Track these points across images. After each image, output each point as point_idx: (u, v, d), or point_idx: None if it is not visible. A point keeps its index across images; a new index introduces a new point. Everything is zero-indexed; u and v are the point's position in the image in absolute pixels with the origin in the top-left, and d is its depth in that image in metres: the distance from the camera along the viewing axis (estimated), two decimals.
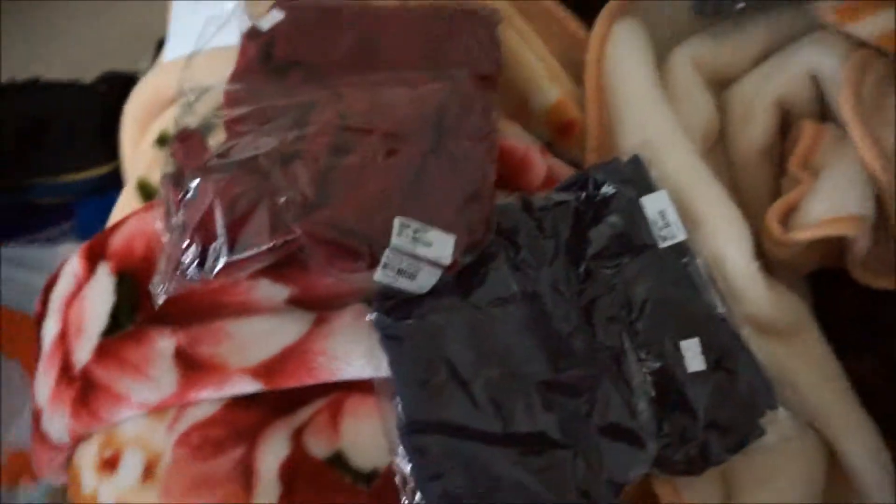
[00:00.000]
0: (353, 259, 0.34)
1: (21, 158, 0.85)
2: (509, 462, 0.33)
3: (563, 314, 0.39)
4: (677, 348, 0.39)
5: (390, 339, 0.35)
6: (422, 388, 0.34)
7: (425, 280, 0.35)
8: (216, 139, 0.41)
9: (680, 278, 0.41)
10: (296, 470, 0.33)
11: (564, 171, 0.48)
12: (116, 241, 0.40)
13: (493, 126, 0.43)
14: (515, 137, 0.48)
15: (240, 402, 0.36)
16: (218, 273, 0.34)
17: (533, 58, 0.50)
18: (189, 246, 0.34)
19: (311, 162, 0.37)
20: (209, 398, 0.36)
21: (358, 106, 0.40)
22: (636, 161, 0.44)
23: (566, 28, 0.53)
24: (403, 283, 0.35)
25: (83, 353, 0.37)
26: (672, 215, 0.42)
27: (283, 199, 0.34)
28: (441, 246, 0.35)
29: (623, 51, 0.50)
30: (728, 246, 0.42)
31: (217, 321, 0.37)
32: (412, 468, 0.32)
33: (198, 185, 0.36)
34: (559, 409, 0.35)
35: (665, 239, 0.42)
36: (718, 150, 0.52)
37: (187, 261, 0.34)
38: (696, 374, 0.38)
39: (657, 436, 0.37)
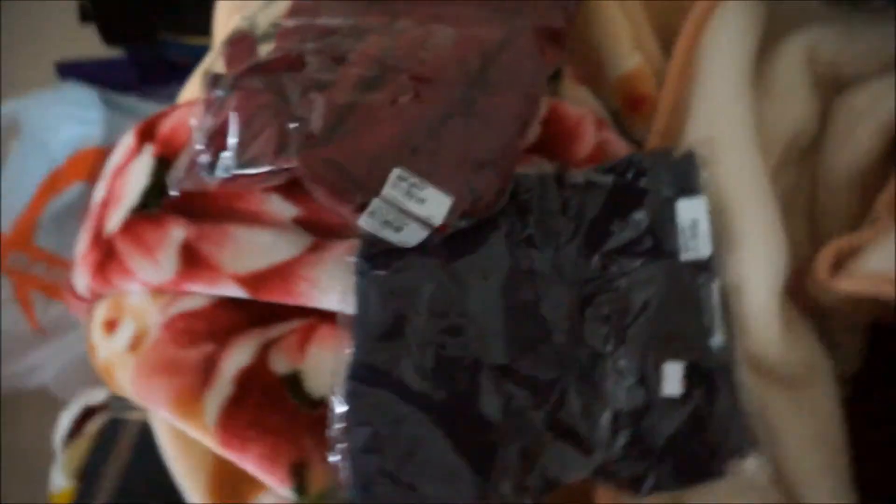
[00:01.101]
0: (344, 201, 0.34)
1: (156, 12, 0.91)
2: (440, 433, 0.34)
3: (556, 301, 0.38)
4: (658, 368, 0.37)
5: (362, 285, 0.35)
6: (377, 340, 0.35)
7: (411, 236, 0.35)
8: (268, 48, 0.42)
9: (688, 297, 0.38)
10: (252, 378, 0.36)
11: (619, 150, 0.45)
12: (164, 126, 0.42)
13: (540, 88, 0.40)
14: (575, 102, 0.45)
15: (226, 304, 0.38)
16: (224, 182, 0.36)
17: (620, 15, 0.45)
18: (204, 150, 0.36)
19: (335, 94, 0.37)
20: (201, 293, 0.38)
21: (403, 40, 0.39)
22: (689, 158, 0.40)
23: None
24: (388, 234, 0.35)
25: (113, 223, 0.41)
26: (703, 227, 0.39)
27: (292, 127, 0.35)
28: (435, 205, 0.35)
29: (725, 30, 0.44)
30: (754, 272, 0.38)
31: (226, 224, 0.39)
32: (347, 410, 0.34)
33: (225, 91, 0.37)
34: (507, 396, 0.35)
35: (688, 250, 0.39)
36: (807, 162, 0.46)
37: (200, 163, 0.36)
38: (669, 400, 0.36)
39: (608, 448, 0.36)
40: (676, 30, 0.46)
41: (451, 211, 0.35)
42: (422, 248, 0.36)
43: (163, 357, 0.37)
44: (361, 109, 0.36)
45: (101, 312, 0.41)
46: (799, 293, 0.42)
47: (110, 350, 0.39)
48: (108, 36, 0.90)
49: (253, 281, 0.37)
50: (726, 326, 0.37)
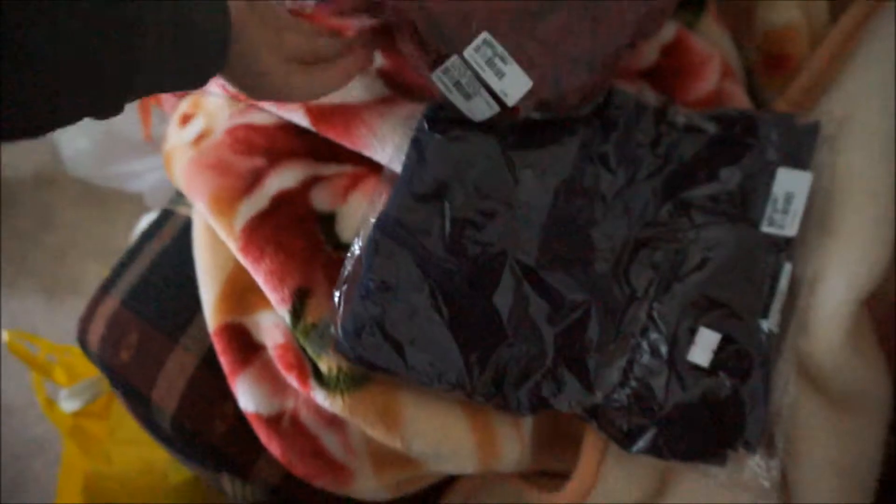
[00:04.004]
0: (425, 51, 0.33)
1: None
2: (445, 308, 0.33)
3: (611, 230, 0.36)
4: (693, 331, 0.34)
5: (416, 142, 0.34)
6: (415, 199, 0.34)
7: (479, 108, 0.34)
8: None
9: (753, 270, 0.34)
10: (288, 201, 0.36)
11: (739, 104, 0.41)
12: None
13: (668, 6, 0.37)
14: (710, 44, 0.40)
15: (289, 129, 0.38)
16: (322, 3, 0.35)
17: None
18: None
19: None
20: (270, 111, 0.39)
21: None
22: (811, 130, 0.36)
23: None
24: (457, 99, 0.33)
25: None
26: (798, 205, 0.34)
27: None
28: (513, 83, 0.33)
29: None
30: (839, 272, 0.33)
31: None
32: (363, 255, 0.33)
33: None
34: (524, 298, 0.33)
35: (772, 223, 0.35)
36: None
37: None
38: (693, 367, 0.33)
39: (612, 392, 0.34)
40: None
41: (528, 95, 0.33)
42: (489, 126, 0.35)
43: (217, 157, 0.37)
44: None
45: (183, 106, 0.43)
46: (890, 318, 0.37)
47: (178, 140, 0.41)
48: None
49: (319, 112, 0.37)
50: (783, 315, 0.34)
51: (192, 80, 0.29)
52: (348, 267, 0.33)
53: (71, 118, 0.25)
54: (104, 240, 1.00)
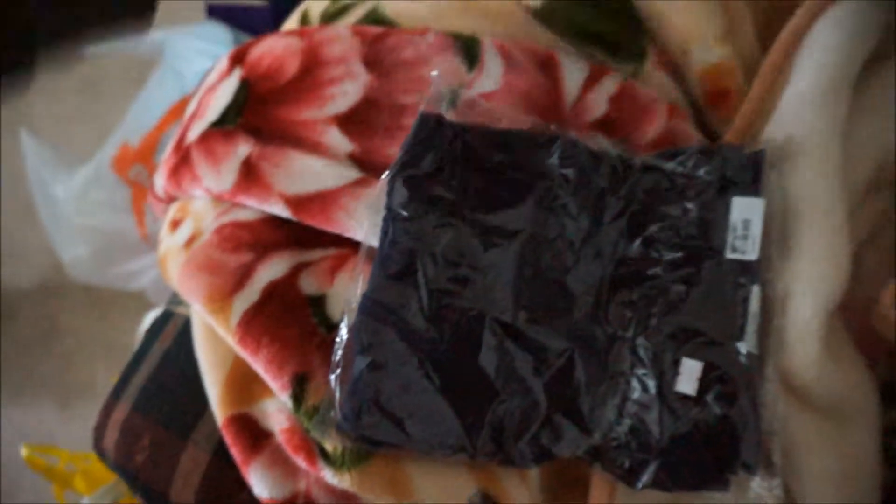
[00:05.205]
0: None
1: None
2: (435, 377, 0.34)
3: (585, 275, 0.37)
4: (677, 363, 0.35)
5: (385, 223, 0.36)
6: (390, 278, 0.36)
7: None
8: None
9: (723, 296, 0.36)
10: (278, 291, 0.38)
11: (689, 141, 0.43)
12: (253, 52, 0.46)
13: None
14: (651, 86, 0.43)
15: (273, 221, 0.41)
16: None
17: (712, 3, 0.43)
18: None
19: None
20: (252, 207, 0.41)
21: None
22: (757, 156, 0.38)
23: None
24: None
25: (193, 133, 0.44)
26: (755, 229, 0.36)
27: None
28: None
29: (834, 30, 0.41)
30: (804, 286, 0.35)
31: (287, 148, 0.41)
32: (351, 338, 0.35)
33: None
34: (508, 355, 0.35)
35: (734, 250, 0.37)
36: (890, 194, 0.42)
37: None
38: (682, 397, 0.35)
39: (609, 431, 0.35)
40: (780, 28, 0.43)
41: None
42: (445, 198, 0.37)
43: (208, 257, 0.40)
44: None
45: (171, 212, 0.45)
46: (864, 324, 0.39)
47: (169, 246, 0.43)
48: None
49: (297, 202, 0.39)
50: (760, 335, 0.35)
51: None
52: (338, 352, 0.35)
53: None
54: (110, 341, 1.01)
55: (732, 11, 0.44)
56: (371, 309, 0.35)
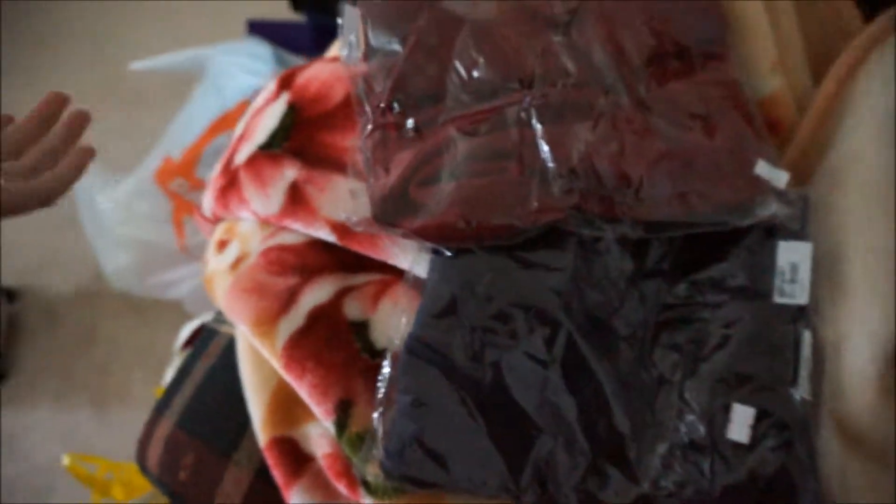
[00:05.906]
0: None
1: None
2: (479, 415, 0.34)
3: (631, 317, 0.37)
4: (727, 409, 0.35)
5: (432, 264, 0.37)
6: (434, 316, 0.36)
7: None
8: None
9: (774, 341, 0.35)
10: (323, 316, 0.39)
11: None
12: (301, 77, 0.46)
13: None
14: None
15: (318, 245, 0.41)
16: None
17: (766, 32, 0.42)
18: None
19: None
20: (298, 231, 0.42)
21: None
22: (803, 199, 0.37)
23: (836, 9, 0.44)
24: None
25: (242, 156, 0.45)
26: (804, 273, 0.36)
27: None
28: None
29: (888, 68, 0.40)
30: (858, 331, 0.34)
31: (333, 173, 0.42)
32: (395, 375, 0.35)
33: None
34: (549, 395, 0.35)
35: (783, 294, 0.36)
36: None
37: None
38: (734, 445, 0.34)
39: (658, 480, 0.35)
40: (833, 58, 0.42)
41: None
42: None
43: (254, 279, 0.40)
44: None
45: (218, 233, 0.46)
46: None
47: (217, 265, 0.44)
48: (296, 3, 0.99)
49: (343, 228, 0.40)
50: (814, 381, 0.34)
51: None
52: (382, 389, 0.35)
53: None
54: (146, 349, 1.03)
55: (784, 41, 0.43)
56: (416, 347, 0.35)
